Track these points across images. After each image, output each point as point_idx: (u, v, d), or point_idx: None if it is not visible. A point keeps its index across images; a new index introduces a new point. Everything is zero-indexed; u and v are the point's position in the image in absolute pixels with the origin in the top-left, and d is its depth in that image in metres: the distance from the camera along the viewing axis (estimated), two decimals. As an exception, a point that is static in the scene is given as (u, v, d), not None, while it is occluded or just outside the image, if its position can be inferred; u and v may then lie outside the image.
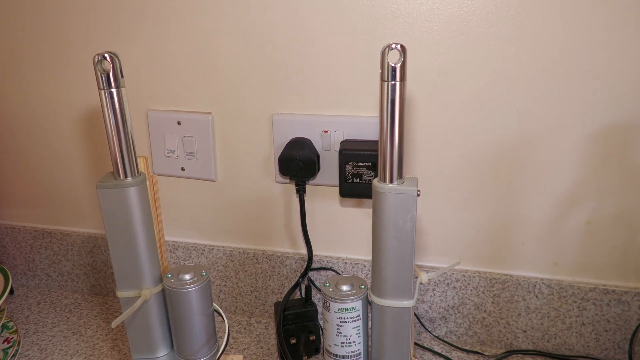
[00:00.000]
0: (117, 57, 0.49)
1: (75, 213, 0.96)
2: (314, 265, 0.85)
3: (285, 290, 0.88)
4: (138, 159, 0.55)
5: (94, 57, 0.49)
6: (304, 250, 0.86)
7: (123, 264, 0.54)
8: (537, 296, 0.77)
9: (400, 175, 0.49)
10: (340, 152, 0.72)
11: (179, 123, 0.83)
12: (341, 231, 0.83)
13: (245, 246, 0.89)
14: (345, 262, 0.84)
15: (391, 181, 0.49)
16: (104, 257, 0.96)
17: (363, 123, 0.75)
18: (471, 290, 0.80)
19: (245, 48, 0.77)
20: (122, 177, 0.52)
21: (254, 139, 0.82)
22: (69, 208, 0.96)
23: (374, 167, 0.71)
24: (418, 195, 0.49)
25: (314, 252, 0.85)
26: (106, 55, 0.49)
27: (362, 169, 0.71)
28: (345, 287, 0.55)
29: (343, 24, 0.72)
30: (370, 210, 0.80)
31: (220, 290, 0.92)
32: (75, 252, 0.98)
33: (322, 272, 0.85)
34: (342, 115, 0.76)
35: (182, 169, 0.86)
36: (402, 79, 0.47)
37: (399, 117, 0.48)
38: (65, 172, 0.93)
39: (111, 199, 0.52)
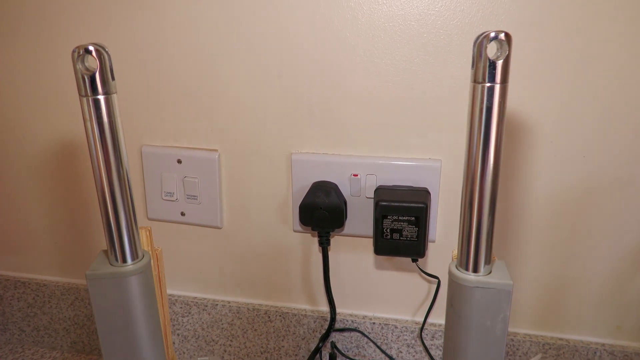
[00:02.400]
0: (106, 51, 0.36)
1: (54, 260, 0.83)
2: (336, 325, 0.73)
3: (301, 353, 0.76)
4: (140, 232, 0.42)
5: (74, 51, 0.36)
6: (323, 307, 0.74)
7: (119, 368, 0.42)
8: (597, 364, 0.67)
9: (488, 259, 0.38)
10: (377, 203, 0.60)
11: (179, 161, 0.70)
12: (369, 287, 0.72)
13: (256, 302, 0.77)
14: (374, 323, 0.72)
15: (476, 269, 0.38)
16: (88, 310, 0.83)
17: (400, 166, 0.64)
18: (520, 356, 0.69)
19: (259, 74, 0.65)
20: (119, 262, 0.40)
21: (269, 181, 0.70)
22: (47, 254, 0.83)
23: (417, 222, 0.60)
24: (510, 287, 0.38)
25: (337, 310, 0.74)
26: (90, 48, 0.36)
27: (403, 224, 0.60)
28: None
29: (379, 47, 0.61)
30: (405, 266, 0.69)
31: (225, 351, 0.79)
32: (53, 305, 0.84)
33: (346, 334, 0.73)
34: (375, 156, 0.65)
35: (182, 214, 0.73)
36: (504, 80, 0.35)
37: (496, 137, 0.36)
38: (41, 212, 0.80)
39: (106, 292, 0.39)
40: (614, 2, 0.54)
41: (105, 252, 0.41)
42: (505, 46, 0.34)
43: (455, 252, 0.42)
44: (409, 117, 0.63)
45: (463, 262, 0.39)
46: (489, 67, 0.35)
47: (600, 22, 0.55)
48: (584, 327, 0.68)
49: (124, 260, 0.40)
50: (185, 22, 0.65)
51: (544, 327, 0.69)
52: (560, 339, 0.68)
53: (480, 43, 0.34)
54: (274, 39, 0.63)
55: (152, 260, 0.43)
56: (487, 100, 0.35)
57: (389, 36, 0.60)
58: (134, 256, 0.40)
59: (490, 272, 0.38)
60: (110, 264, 0.40)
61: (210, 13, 0.63)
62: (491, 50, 0.35)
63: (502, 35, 0.34)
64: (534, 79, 0.58)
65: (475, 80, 0.36)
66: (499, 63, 0.34)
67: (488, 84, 0.35)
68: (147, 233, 0.44)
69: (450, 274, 0.39)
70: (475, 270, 0.38)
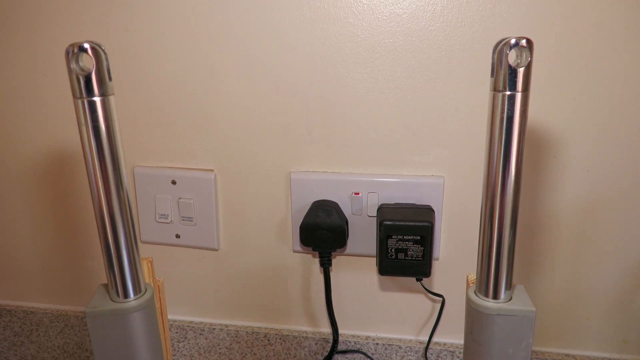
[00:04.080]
0: (103, 50, 0.34)
1: (42, 286, 0.79)
2: (338, 347, 0.71)
3: (303, 376, 0.74)
4: (141, 263, 0.40)
5: (68, 48, 0.34)
6: (325, 329, 0.72)
7: (121, 409, 0.39)
8: (604, 379, 0.66)
9: (509, 284, 0.37)
10: (381, 223, 0.59)
11: (173, 182, 0.68)
12: (371, 307, 0.70)
13: (254, 324, 0.74)
14: (377, 344, 0.70)
15: (496, 296, 0.37)
16: (78, 338, 0.80)
17: (402, 184, 0.63)
18: (527, 374, 0.68)
19: (256, 91, 0.63)
20: (121, 297, 0.37)
21: (267, 201, 0.68)
22: (33, 281, 0.79)
23: (423, 241, 0.58)
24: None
25: (339, 331, 0.72)
26: (86, 45, 0.33)
27: (408, 244, 0.59)
28: None
29: (379, 64, 0.60)
30: (409, 284, 0.68)
31: (223, 376, 0.77)
32: (41, 333, 0.80)
33: (349, 355, 0.71)
34: (377, 173, 0.64)
35: (177, 237, 0.71)
36: (526, 88, 0.34)
37: (518, 148, 0.35)
38: (27, 234, 0.77)
39: (107, 330, 0.37)
40: (614, 18, 0.54)
41: (105, 286, 0.39)
42: (527, 53, 0.33)
43: (472, 276, 0.40)
44: (410, 134, 0.62)
45: (482, 288, 0.37)
46: (509, 74, 0.34)
47: (601, 39, 0.55)
48: (590, 342, 0.67)
49: (126, 295, 0.38)
50: (180, 38, 0.63)
51: (551, 343, 0.68)
52: (567, 355, 0.67)
53: (501, 50, 0.33)
54: (272, 56, 0.61)
55: (155, 294, 0.41)
56: (508, 110, 0.34)
57: (389, 52, 0.59)
58: (136, 290, 0.38)
59: (511, 298, 0.37)
60: (111, 300, 0.38)
61: (206, 29, 0.62)
62: (511, 57, 0.34)
63: (523, 42, 0.33)
64: (535, 93, 0.58)
65: (495, 89, 0.34)
66: (521, 70, 0.33)
67: (509, 92, 0.34)
68: (149, 264, 0.41)
69: (469, 300, 0.38)
70: (496, 296, 0.37)
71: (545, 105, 0.58)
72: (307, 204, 0.65)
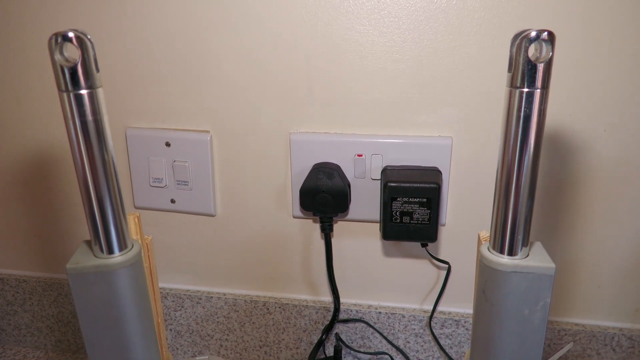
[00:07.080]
0: (89, 39, 0.32)
1: (35, 254, 0.77)
2: (340, 316, 0.69)
3: (303, 345, 0.72)
4: (128, 218, 0.37)
5: (51, 38, 0.31)
6: (326, 297, 0.70)
7: (109, 372, 0.37)
8: (614, 349, 0.64)
9: (526, 241, 0.34)
10: (385, 184, 0.56)
11: (167, 144, 0.65)
12: (374, 274, 0.68)
13: (253, 293, 0.72)
14: (379, 312, 0.68)
15: (511, 252, 0.34)
16: (73, 307, 0.78)
17: (408, 145, 0.59)
18: (535, 343, 0.65)
19: (254, 48, 0.60)
20: (105, 253, 0.35)
21: (266, 163, 0.65)
22: (26, 248, 0.77)
23: (429, 204, 0.55)
24: (550, 272, 0.33)
25: (340, 300, 0.69)
26: (70, 34, 0.31)
27: (414, 207, 0.56)
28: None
29: (384, 15, 0.56)
30: (413, 251, 0.65)
31: (221, 345, 0.75)
32: (35, 302, 0.78)
33: (350, 325, 0.69)
34: (381, 134, 0.61)
35: (172, 202, 0.68)
36: (545, 85, 0.31)
37: (535, 144, 0.32)
38: (19, 201, 0.74)
39: (91, 288, 0.34)
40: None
41: (88, 242, 0.36)
42: (548, 47, 0.30)
43: (484, 233, 0.38)
44: (417, 92, 0.58)
45: (497, 244, 0.34)
46: (528, 70, 0.31)
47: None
48: (601, 311, 0.65)
49: (111, 251, 0.35)
50: (171, -10, 0.59)
51: (560, 313, 0.66)
52: (577, 325, 0.65)
53: (520, 44, 0.30)
54: (269, 9, 0.58)
55: (143, 252, 0.38)
56: (526, 107, 0.31)
57: (395, 2, 0.55)
58: (122, 246, 0.35)
59: (527, 255, 0.34)
60: (95, 256, 0.35)
61: (199, -21, 0.58)
62: (531, 50, 0.31)
63: (544, 35, 0.30)
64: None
65: (512, 85, 0.32)
66: (541, 66, 0.30)
67: (527, 90, 0.31)
68: (136, 220, 0.38)
69: (482, 257, 0.35)
70: (512, 253, 0.34)
71: (559, 60, 0.54)
72: (307, 167, 0.62)
